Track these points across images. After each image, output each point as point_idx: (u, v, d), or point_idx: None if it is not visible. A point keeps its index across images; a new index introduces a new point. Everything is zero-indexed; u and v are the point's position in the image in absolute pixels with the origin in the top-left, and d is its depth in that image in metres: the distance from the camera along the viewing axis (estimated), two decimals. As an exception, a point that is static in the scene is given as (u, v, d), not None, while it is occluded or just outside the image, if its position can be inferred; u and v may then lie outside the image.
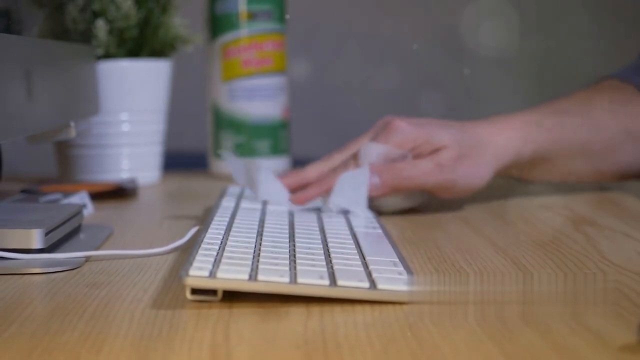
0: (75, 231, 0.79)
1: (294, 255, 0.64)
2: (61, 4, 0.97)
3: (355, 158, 0.90)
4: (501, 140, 0.93)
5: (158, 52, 1.17)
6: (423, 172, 0.89)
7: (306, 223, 0.78)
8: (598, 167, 0.99)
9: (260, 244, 0.67)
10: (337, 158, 0.93)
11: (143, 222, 0.96)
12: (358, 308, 0.57)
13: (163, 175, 1.21)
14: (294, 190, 0.90)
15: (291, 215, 0.82)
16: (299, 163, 1.23)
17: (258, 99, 1.22)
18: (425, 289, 0.60)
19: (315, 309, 0.57)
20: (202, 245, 0.65)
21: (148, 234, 0.88)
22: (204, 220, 0.80)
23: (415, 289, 0.59)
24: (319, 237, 0.72)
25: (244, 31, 1.21)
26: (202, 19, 1.24)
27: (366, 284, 0.58)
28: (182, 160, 1.31)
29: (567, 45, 1.93)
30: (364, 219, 0.83)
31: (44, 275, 0.67)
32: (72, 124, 0.88)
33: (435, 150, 0.90)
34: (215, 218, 0.76)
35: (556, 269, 0.68)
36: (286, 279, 0.58)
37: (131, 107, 1.16)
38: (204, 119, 1.26)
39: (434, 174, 0.89)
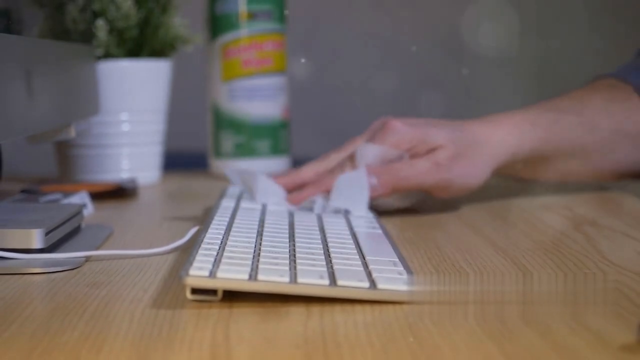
0: (75, 231, 0.79)
1: (294, 255, 0.64)
2: (61, 4, 0.97)
3: (351, 159, 0.90)
4: (497, 138, 0.93)
5: (158, 52, 1.17)
6: (420, 172, 0.89)
7: (306, 223, 0.78)
8: (594, 166, 0.99)
9: (260, 244, 0.67)
10: (334, 158, 0.93)
11: (143, 222, 0.96)
12: (358, 308, 0.57)
13: (163, 175, 1.21)
14: (290, 190, 0.90)
15: (291, 215, 0.82)
16: (299, 163, 1.23)
17: (258, 99, 1.22)
18: (425, 289, 0.60)
19: (315, 309, 0.57)
20: (202, 245, 0.65)
21: (148, 234, 0.88)
22: (204, 220, 0.80)
23: (415, 289, 0.59)
24: (319, 237, 0.72)
25: (244, 31, 1.21)
26: (202, 19, 1.24)
27: (366, 284, 0.58)
28: (182, 160, 1.31)
29: (567, 45, 1.93)
30: (363, 219, 0.83)
31: (44, 275, 0.68)
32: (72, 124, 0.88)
33: (432, 150, 0.90)
34: (215, 218, 0.76)
35: (556, 269, 0.68)
36: (286, 279, 0.58)
37: (131, 107, 1.16)
38: (204, 119, 1.26)
39: (430, 174, 0.89)
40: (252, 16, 1.21)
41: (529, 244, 0.77)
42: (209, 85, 1.24)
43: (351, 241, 0.71)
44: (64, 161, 1.16)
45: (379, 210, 0.89)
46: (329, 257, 0.65)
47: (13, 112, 0.72)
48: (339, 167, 0.90)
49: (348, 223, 0.79)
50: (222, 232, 0.71)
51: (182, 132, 1.41)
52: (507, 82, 1.94)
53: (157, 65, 1.17)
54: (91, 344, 0.51)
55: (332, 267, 0.62)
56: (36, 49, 0.81)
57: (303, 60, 1.74)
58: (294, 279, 0.58)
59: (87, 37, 1.04)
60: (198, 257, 0.61)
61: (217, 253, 0.63)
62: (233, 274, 0.58)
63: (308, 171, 0.93)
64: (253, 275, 0.58)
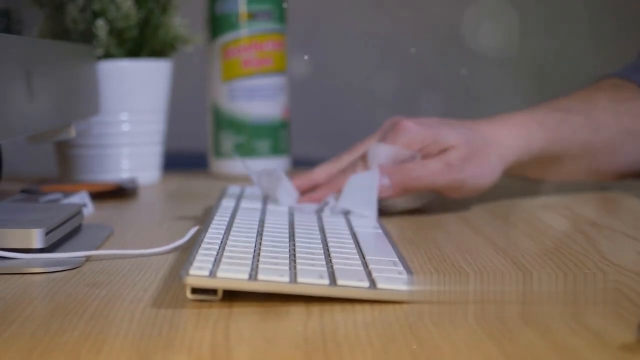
0: (76, 231, 0.79)
1: (294, 255, 0.64)
2: (61, 4, 0.97)
3: (363, 159, 0.90)
4: (507, 139, 0.93)
5: (158, 52, 1.17)
6: (432, 172, 0.89)
7: (306, 223, 0.78)
8: (600, 165, 0.99)
9: (260, 244, 0.67)
10: (346, 159, 0.93)
11: (143, 222, 0.96)
12: (358, 307, 0.57)
13: (163, 175, 1.21)
14: (303, 192, 0.90)
15: (291, 215, 0.82)
16: (299, 163, 1.24)
17: (258, 99, 1.22)
18: (425, 289, 0.60)
19: (315, 309, 0.57)
20: (202, 245, 0.65)
21: (148, 233, 0.88)
22: (204, 220, 0.80)
23: (415, 289, 0.59)
24: (319, 236, 0.72)
25: (244, 31, 1.21)
26: (202, 19, 1.24)
27: (366, 284, 0.58)
28: (182, 160, 1.32)
29: (567, 45, 1.93)
30: (363, 218, 0.83)
31: (44, 275, 0.68)
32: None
33: (444, 150, 0.90)
34: (215, 218, 0.77)
35: (556, 269, 0.68)
36: (286, 279, 0.58)
37: (131, 107, 1.16)
38: (204, 119, 1.26)
39: (442, 174, 0.89)
40: (252, 16, 1.21)
41: (529, 244, 0.77)
42: (209, 85, 1.24)
43: (351, 241, 0.71)
44: (64, 161, 1.16)
45: (389, 211, 0.89)
46: (329, 256, 0.65)
47: (13, 112, 0.72)
48: (351, 168, 0.90)
49: (348, 223, 0.79)
50: (222, 232, 0.71)
51: (182, 132, 1.41)
52: (507, 82, 1.94)
53: (157, 65, 1.17)
54: (91, 344, 0.51)
55: (332, 266, 0.62)
56: (36, 49, 0.81)
57: (306, 57, 1.74)
58: (293, 278, 0.58)
59: (87, 37, 1.04)
60: (198, 257, 0.61)
61: (217, 253, 0.63)
62: (233, 274, 0.58)
63: (320, 173, 0.93)
64: (253, 275, 0.58)
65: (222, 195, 0.90)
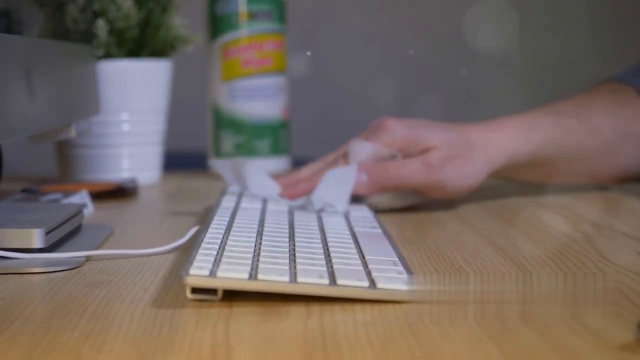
0: (76, 231, 0.79)
1: (294, 255, 0.64)
2: (62, 4, 0.97)
3: (345, 156, 0.91)
4: (494, 141, 0.93)
5: (158, 52, 1.17)
6: (411, 172, 0.89)
7: (306, 223, 0.78)
8: (596, 169, 0.99)
9: (260, 244, 0.67)
10: (331, 158, 0.94)
11: (143, 222, 0.96)
12: (358, 307, 0.57)
13: (163, 175, 1.21)
14: (285, 187, 0.91)
15: (291, 214, 0.82)
16: (299, 163, 1.23)
17: (258, 99, 1.22)
18: (424, 289, 0.60)
19: (315, 308, 0.57)
20: (202, 245, 0.65)
21: (148, 233, 0.88)
22: (204, 220, 0.80)
23: (414, 289, 0.59)
24: (319, 236, 0.72)
25: (244, 31, 1.21)
26: (202, 19, 1.24)
27: (366, 283, 0.58)
28: (182, 160, 1.32)
29: (567, 45, 1.93)
30: (363, 218, 0.83)
31: (44, 275, 0.68)
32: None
33: (425, 150, 0.90)
34: (215, 218, 0.77)
35: (556, 269, 0.68)
36: (286, 278, 0.58)
37: (131, 107, 1.16)
38: (204, 119, 1.26)
39: (421, 174, 0.89)
40: (252, 16, 1.21)
41: (528, 244, 0.77)
42: (209, 85, 1.24)
43: (351, 241, 0.71)
44: (64, 161, 1.16)
45: (376, 209, 0.90)
46: (329, 256, 0.65)
47: (13, 112, 0.72)
48: (332, 164, 0.91)
49: (348, 223, 0.79)
50: (222, 231, 0.71)
51: (182, 132, 1.41)
52: (507, 82, 1.94)
53: (157, 65, 1.18)
54: (91, 344, 0.51)
55: (331, 266, 0.62)
56: (36, 49, 0.81)
57: (309, 53, 1.74)
58: (293, 278, 0.58)
59: (88, 37, 1.04)
60: (198, 257, 0.61)
61: (217, 252, 0.63)
62: (233, 274, 0.58)
63: (305, 171, 0.94)
64: (253, 275, 0.58)
65: (222, 195, 0.90)
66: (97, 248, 0.75)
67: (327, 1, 1.95)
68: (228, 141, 1.22)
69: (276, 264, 0.61)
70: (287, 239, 0.70)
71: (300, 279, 0.58)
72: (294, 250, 0.66)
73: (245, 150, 1.22)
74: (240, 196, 0.89)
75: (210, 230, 0.71)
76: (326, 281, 0.58)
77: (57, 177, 1.17)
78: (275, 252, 0.65)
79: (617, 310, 0.56)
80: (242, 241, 0.67)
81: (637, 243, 0.78)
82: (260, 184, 0.90)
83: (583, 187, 1.04)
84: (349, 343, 0.51)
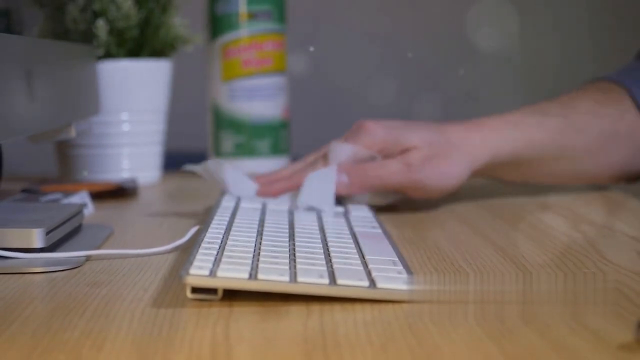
0: (76, 231, 0.79)
1: (294, 255, 0.64)
2: (62, 4, 0.97)
3: (324, 157, 0.92)
4: (476, 141, 0.93)
5: (158, 52, 1.17)
6: (390, 172, 0.90)
7: (306, 223, 0.78)
8: (581, 168, 0.99)
9: (260, 243, 0.67)
10: (310, 158, 0.95)
11: (143, 221, 0.96)
12: (358, 307, 0.57)
13: (163, 175, 1.21)
14: (263, 186, 0.91)
15: (291, 214, 0.82)
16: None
17: (258, 99, 1.22)
18: (424, 288, 0.60)
19: (315, 308, 0.57)
20: (203, 245, 0.65)
21: (148, 233, 0.88)
22: (204, 219, 0.80)
23: (414, 288, 0.59)
24: (319, 236, 0.72)
25: (244, 31, 1.21)
26: (202, 19, 1.24)
27: (366, 283, 0.58)
28: (182, 160, 1.31)
29: (567, 45, 1.93)
30: (363, 218, 0.83)
31: (44, 275, 0.68)
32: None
33: (405, 151, 0.90)
34: (216, 217, 0.77)
35: (556, 269, 0.68)
36: (286, 278, 0.58)
37: (131, 107, 1.16)
38: (204, 119, 1.26)
39: (401, 174, 0.90)
40: (252, 16, 1.21)
41: (528, 244, 0.77)
42: (209, 85, 1.24)
43: (351, 240, 0.71)
44: (65, 161, 1.16)
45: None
46: (329, 256, 0.65)
47: (13, 112, 0.72)
48: (311, 165, 0.91)
49: (348, 223, 0.80)
50: (222, 231, 0.71)
51: (182, 132, 1.41)
52: (507, 82, 1.94)
53: (157, 65, 1.18)
54: (92, 343, 0.51)
55: (331, 266, 0.62)
56: (36, 49, 0.81)
57: (312, 49, 1.74)
58: (293, 278, 0.58)
59: (88, 37, 1.04)
60: (198, 257, 0.61)
61: (217, 252, 0.63)
62: (233, 273, 0.58)
63: (285, 171, 0.95)
64: (253, 275, 0.58)
65: (222, 194, 0.90)
66: (97, 248, 0.75)
67: (327, 1, 1.95)
68: (228, 141, 1.22)
69: (276, 263, 0.61)
70: (287, 239, 0.70)
71: (300, 279, 0.58)
72: (294, 250, 0.66)
73: (245, 150, 1.22)
74: (240, 196, 0.89)
75: (210, 230, 0.71)
76: (326, 281, 0.58)
77: (57, 177, 1.18)
78: (275, 251, 0.65)
79: (617, 310, 0.56)
80: (242, 241, 0.67)
81: (637, 243, 0.78)
82: (237, 183, 0.90)
83: (583, 187, 1.04)
84: (349, 343, 0.51)
